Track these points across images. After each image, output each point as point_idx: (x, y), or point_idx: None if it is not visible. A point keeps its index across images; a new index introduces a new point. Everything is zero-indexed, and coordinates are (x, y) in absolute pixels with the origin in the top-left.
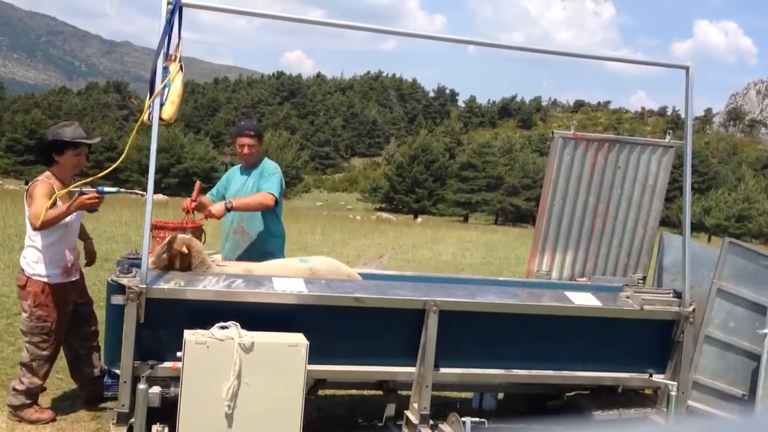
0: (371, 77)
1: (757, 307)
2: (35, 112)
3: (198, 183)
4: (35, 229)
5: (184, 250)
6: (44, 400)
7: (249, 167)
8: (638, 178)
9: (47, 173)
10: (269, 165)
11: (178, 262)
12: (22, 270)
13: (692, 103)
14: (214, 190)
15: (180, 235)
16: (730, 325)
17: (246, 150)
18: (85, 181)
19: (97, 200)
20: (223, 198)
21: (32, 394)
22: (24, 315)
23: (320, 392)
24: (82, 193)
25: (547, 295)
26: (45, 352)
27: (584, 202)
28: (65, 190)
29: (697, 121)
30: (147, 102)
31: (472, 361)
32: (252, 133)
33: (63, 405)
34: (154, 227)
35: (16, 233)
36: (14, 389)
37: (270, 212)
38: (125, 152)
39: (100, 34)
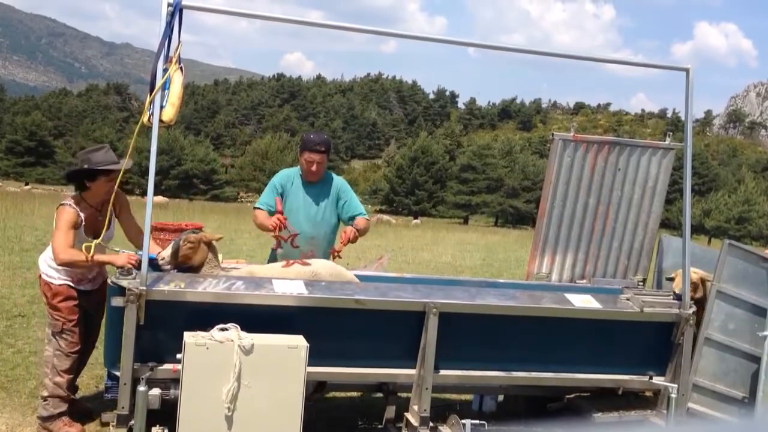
0: (371, 79)
1: (757, 309)
2: (35, 114)
3: (278, 198)
4: (57, 263)
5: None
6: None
7: (311, 181)
8: (638, 180)
9: (76, 197)
10: (341, 183)
11: (197, 256)
12: (39, 266)
13: (692, 105)
14: (269, 199)
15: (205, 233)
16: (729, 327)
17: (314, 167)
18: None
19: (134, 264)
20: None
21: (60, 401)
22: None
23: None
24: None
25: (547, 297)
26: (65, 348)
27: (584, 204)
28: (97, 241)
29: (697, 123)
30: (146, 103)
31: (472, 363)
32: (323, 148)
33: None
34: (155, 229)
35: (16, 235)
36: (42, 397)
37: (335, 231)
38: (128, 156)
39: (101, 35)
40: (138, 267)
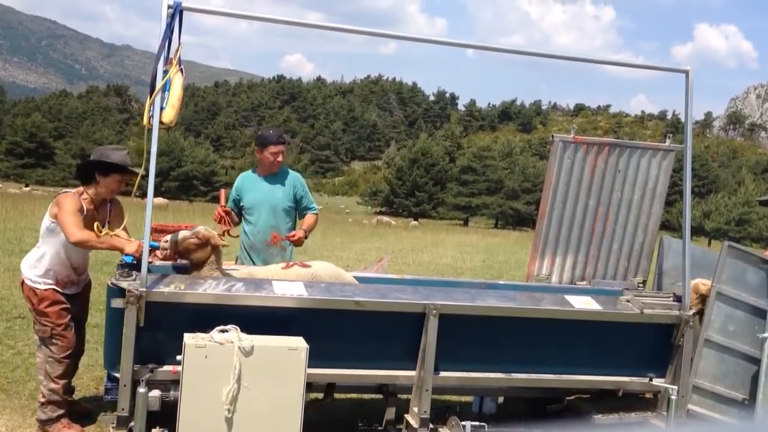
0: (371, 81)
1: (757, 310)
2: (35, 116)
3: (223, 191)
4: (70, 241)
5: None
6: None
7: (270, 174)
8: (638, 182)
9: (79, 188)
10: (298, 177)
11: (199, 253)
12: (21, 269)
13: (692, 106)
14: (231, 202)
15: (212, 231)
16: (729, 329)
17: (280, 158)
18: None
19: (139, 253)
20: (238, 208)
21: (57, 405)
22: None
23: (320, 396)
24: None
25: (547, 298)
26: (55, 354)
27: (584, 205)
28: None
29: (697, 124)
30: (146, 105)
31: (472, 365)
32: (283, 140)
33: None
34: (154, 230)
35: (16, 236)
36: (39, 402)
37: (295, 223)
38: (143, 162)
39: (101, 37)
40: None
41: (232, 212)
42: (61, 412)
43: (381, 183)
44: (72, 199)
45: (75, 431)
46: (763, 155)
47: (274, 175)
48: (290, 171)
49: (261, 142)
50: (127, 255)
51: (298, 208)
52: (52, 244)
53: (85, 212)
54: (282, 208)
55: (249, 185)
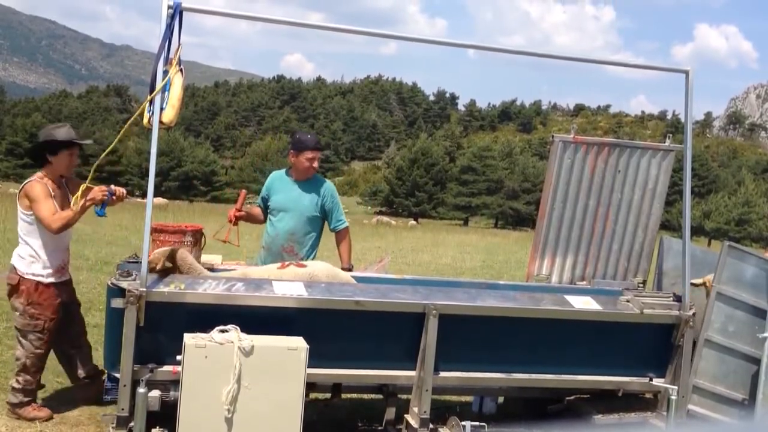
0: (371, 81)
1: (757, 310)
2: (35, 116)
3: (243, 192)
4: (55, 232)
5: (167, 264)
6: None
7: (303, 180)
8: (638, 182)
9: (39, 174)
10: (330, 187)
11: (170, 269)
12: (15, 269)
13: (692, 107)
14: (259, 200)
15: (160, 250)
16: (729, 329)
17: (316, 164)
18: (87, 184)
19: (105, 193)
20: (266, 206)
21: (29, 392)
22: (17, 313)
23: (320, 396)
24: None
25: (547, 298)
26: (38, 350)
27: (584, 205)
28: (81, 197)
29: (697, 125)
30: (144, 104)
31: (472, 365)
32: (320, 146)
33: (62, 408)
34: (154, 230)
35: (16, 237)
36: (12, 387)
37: (319, 232)
38: (112, 145)
39: (101, 37)
40: (105, 197)
41: (250, 213)
42: (31, 398)
43: (381, 183)
44: (39, 185)
45: (45, 414)
46: (763, 155)
47: (307, 181)
48: (325, 180)
49: (298, 147)
50: (98, 208)
51: (326, 219)
52: (39, 236)
53: (53, 193)
54: (307, 216)
55: (279, 186)
